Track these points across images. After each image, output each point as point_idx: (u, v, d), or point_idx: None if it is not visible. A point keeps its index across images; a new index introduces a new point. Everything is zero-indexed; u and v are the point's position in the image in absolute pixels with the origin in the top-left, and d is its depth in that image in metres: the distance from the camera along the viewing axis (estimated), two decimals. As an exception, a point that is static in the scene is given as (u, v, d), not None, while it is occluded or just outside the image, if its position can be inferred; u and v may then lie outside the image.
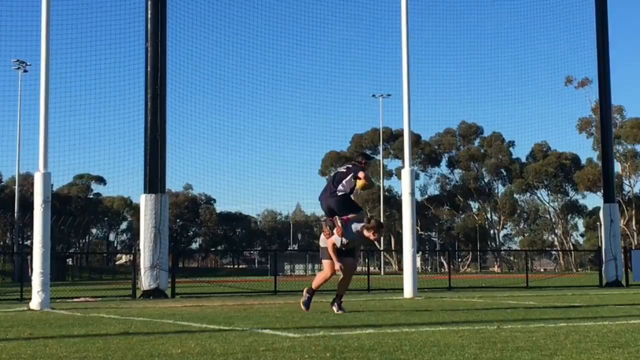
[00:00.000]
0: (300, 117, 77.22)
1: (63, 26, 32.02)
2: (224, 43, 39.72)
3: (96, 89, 33.27)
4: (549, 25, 43.82)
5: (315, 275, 16.43)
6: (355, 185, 14.96)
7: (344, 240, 13.60)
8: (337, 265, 13.58)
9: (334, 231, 14.21)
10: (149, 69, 25.71)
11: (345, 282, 14.12)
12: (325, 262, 13.92)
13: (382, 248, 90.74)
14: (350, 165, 15.39)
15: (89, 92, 32.60)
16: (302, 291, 14.21)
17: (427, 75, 59.15)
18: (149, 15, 25.85)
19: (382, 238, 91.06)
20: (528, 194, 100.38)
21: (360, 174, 14.81)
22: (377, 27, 48.73)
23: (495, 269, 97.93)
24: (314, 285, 14.03)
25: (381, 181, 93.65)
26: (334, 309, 13.71)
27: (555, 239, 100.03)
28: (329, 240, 13.63)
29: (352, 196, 15.31)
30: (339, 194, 14.70)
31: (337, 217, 14.29)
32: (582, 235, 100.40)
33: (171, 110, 26.62)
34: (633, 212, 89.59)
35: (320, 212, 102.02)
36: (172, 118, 26.65)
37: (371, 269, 56.75)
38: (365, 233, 13.83)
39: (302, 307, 13.80)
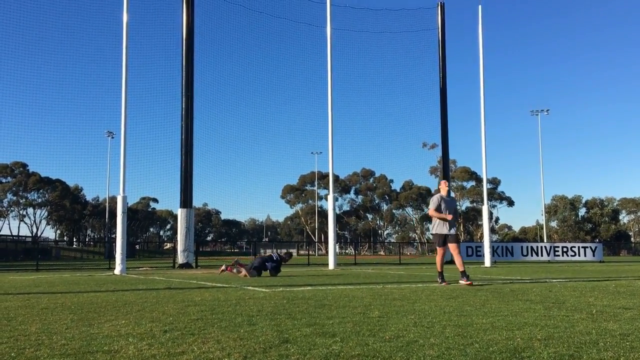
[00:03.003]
0: (272, 162, 77.74)
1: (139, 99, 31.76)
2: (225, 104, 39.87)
3: (152, 149, 33.29)
4: (414, 111, 44.28)
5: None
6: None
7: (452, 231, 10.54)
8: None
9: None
10: (183, 129, 25.51)
11: (458, 260, 10.42)
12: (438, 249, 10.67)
13: (316, 240, 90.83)
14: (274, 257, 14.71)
15: (147, 149, 32.62)
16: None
17: (343, 140, 60.12)
18: (183, 94, 25.95)
19: (316, 234, 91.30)
20: (401, 210, 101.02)
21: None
22: (316, 114, 49.40)
23: (382, 253, 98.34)
24: (439, 268, 10.77)
25: (316, 202, 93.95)
26: (462, 282, 10.18)
27: (416, 236, 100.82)
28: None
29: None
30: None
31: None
32: (431, 234, 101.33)
33: (195, 158, 26.47)
34: (461, 221, 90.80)
35: (278, 218, 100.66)
36: (195, 162, 26.58)
37: (310, 252, 57.03)
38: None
39: (443, 284, 10.38)
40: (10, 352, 3.93)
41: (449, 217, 10.39)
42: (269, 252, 15.21)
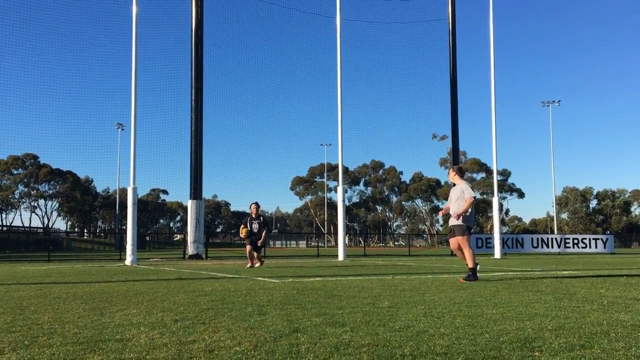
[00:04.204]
0: (280, 154, 78.21)
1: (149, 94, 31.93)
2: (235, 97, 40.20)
3: (162, 141, 33.41)
4: (424, 102, 44.34)
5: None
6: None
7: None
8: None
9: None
10: (192, 121, 25.66)
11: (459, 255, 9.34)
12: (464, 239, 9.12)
13: (325, 232, 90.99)
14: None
15: (157, 141, 32.75)
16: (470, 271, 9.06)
17: (353, 131, 60.03)
18: (192, 87, 25.94)
19: (326, 225, 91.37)
20: (410, 202, 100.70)
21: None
22: (325, 105, 49.44)
23: (391, 244, 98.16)
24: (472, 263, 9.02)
25: (325, 194, 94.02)
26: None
27: (426, 227, 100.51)
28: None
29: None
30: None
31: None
32: (441, 225, 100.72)
33: (204, 150, 26.57)
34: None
35: (288, 209, 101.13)
36: (204, 154, 26.68)
37: (320, 244, 57.12)
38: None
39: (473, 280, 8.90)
40: (23, 340, 3.97)
41: (440, 213, 9.66)
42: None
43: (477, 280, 8.95)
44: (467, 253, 9.10)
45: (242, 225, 14.90)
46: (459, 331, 4.20)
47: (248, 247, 14.89)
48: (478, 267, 9.20)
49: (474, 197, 9.21)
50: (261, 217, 15.01)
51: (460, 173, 9.64)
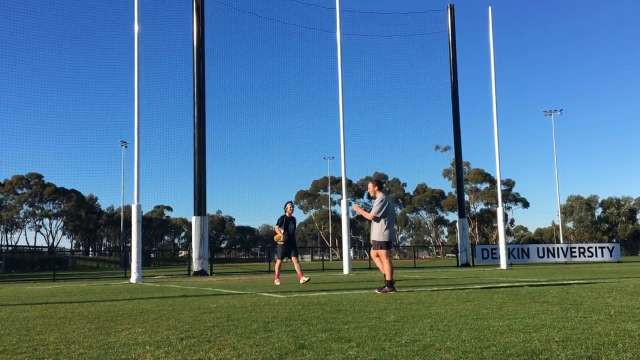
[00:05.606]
0: (284, 168, 78.09)
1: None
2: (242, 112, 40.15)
3: (165, 157, 33.38)
4: (426, 113, 44.22)
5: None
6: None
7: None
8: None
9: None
10: (195, 137, 25.84)
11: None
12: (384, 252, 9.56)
13: (330, 245, 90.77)
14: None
15: (160, 158, 32.72)
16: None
17: (355, 144, 60.01)
18: (195, 103, 26.11)
19: (330, 238, 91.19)
20: (414, 213, 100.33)
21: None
22: (328, 119, 49.51)
23: (396, 257, 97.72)
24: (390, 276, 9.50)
25: (329, 207, 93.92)
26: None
27: (431, 239, 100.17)
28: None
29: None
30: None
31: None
32: (446, 237, 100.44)
33: (208, 165, 26.55)
34: (475, 223, 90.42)
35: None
36: (208, 169, 26.64)
37: (325, 257, 56.86)
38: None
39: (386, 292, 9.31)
40: (29, 362, 3.97)
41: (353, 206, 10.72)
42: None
43: (393, 292, 9.32)
44: (386, 266, 9.55)
45: (278, 226, 13.43)
46: (466, 344, 4.18)
47: (279, 262, 13.79)
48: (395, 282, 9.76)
49: (376, 217, 9.57)
50: (295, 218, 13.86)
51: (379, 186, 9.89)
